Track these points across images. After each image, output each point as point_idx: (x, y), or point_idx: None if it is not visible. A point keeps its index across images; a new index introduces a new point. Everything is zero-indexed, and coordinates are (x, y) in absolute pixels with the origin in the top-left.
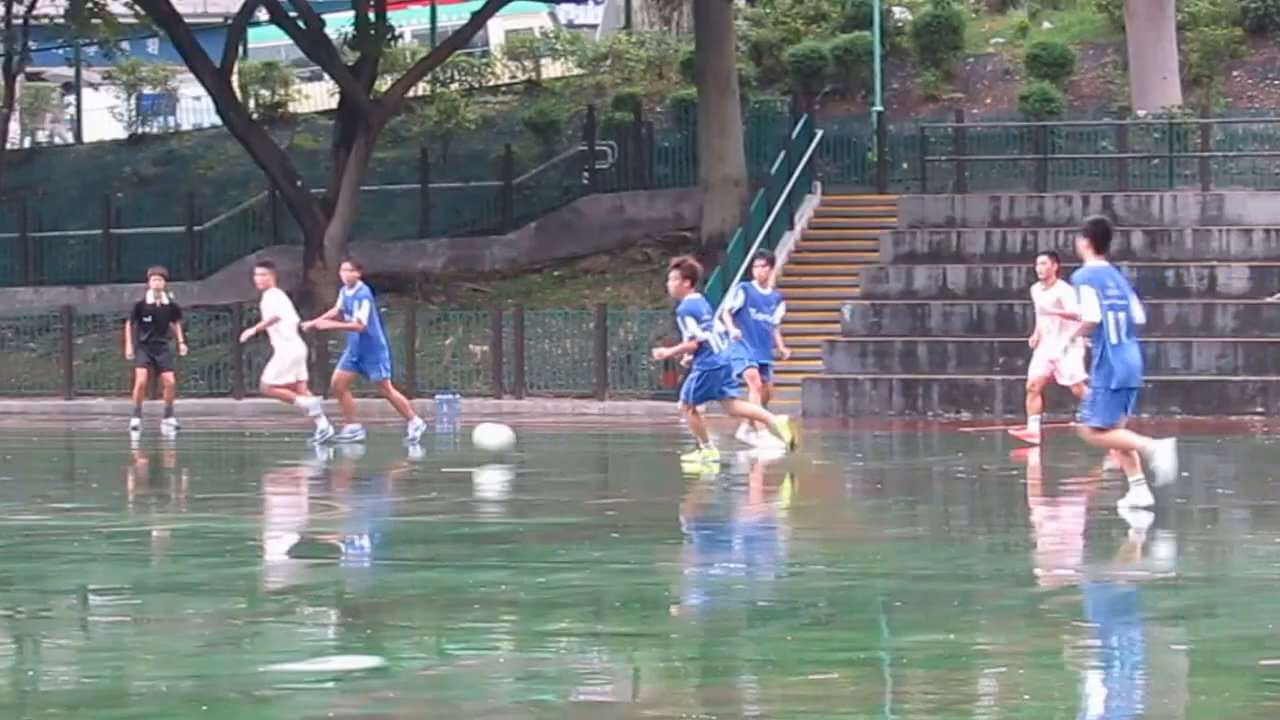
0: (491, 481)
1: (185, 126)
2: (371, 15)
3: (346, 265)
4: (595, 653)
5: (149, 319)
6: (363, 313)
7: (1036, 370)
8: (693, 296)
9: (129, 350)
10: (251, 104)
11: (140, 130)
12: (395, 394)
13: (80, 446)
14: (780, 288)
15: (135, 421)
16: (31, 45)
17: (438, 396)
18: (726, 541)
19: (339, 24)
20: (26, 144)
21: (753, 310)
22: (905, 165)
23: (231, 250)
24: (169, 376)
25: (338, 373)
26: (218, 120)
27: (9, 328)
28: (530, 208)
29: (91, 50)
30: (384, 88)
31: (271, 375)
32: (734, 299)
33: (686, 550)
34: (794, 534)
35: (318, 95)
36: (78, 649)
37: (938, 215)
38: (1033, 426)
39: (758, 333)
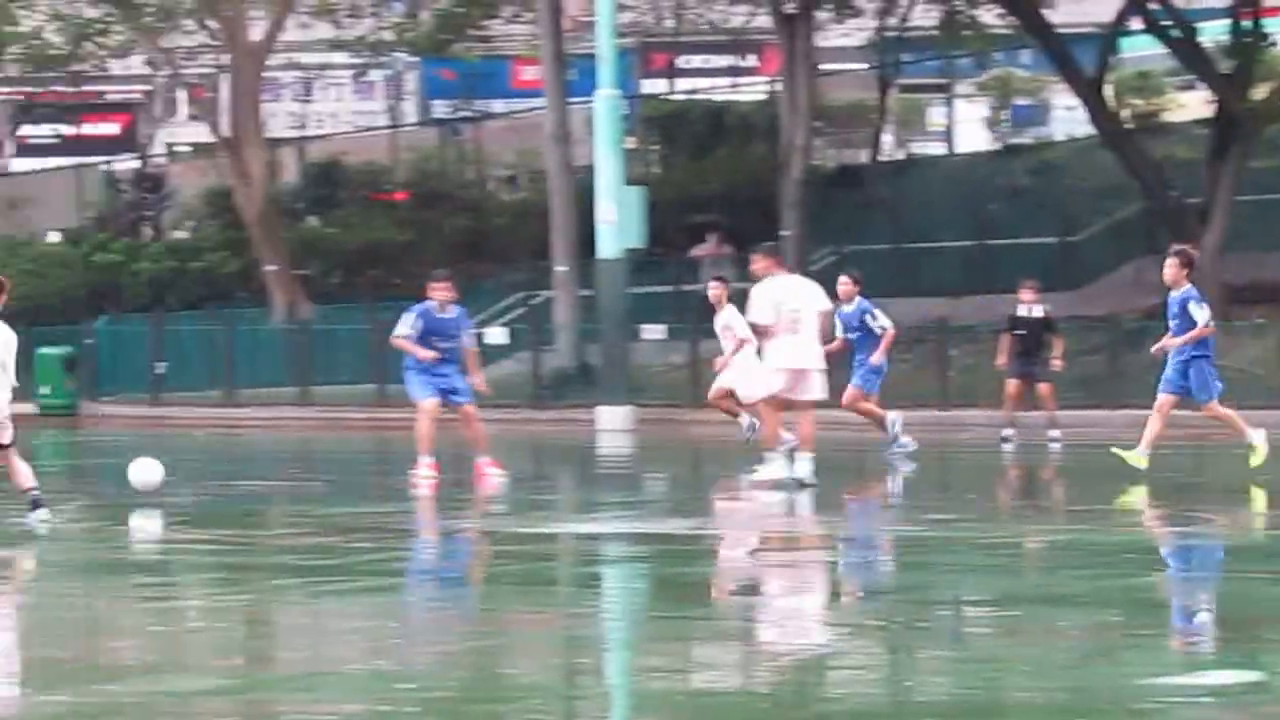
0: None
1: (1057, 137)
2: (1247, 22)
3: (845, 280)
4: None
5: (1022, 331)
6: (884, 325)
7: None
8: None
9: (1003, 361)
10: (1125, 113)
11: (1013, 141)
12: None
13: (952, 458)
14: None
15: (1007, 433)
16: (904, 57)
17: None
18: None
19: (1213, 32)
20: (900, 156)
21: None
22: None
23: (1106, 261)
24: (1045, 388)
25: (850, 390)
26: (1090, 130)
27: None
28: None
29: (964, 61)
30: (1261, 96)
31: (758, 390)
32: None
33: None
34: None
35: (1193, 104)
36: (953, 660)
37: None
38: None
39: None
